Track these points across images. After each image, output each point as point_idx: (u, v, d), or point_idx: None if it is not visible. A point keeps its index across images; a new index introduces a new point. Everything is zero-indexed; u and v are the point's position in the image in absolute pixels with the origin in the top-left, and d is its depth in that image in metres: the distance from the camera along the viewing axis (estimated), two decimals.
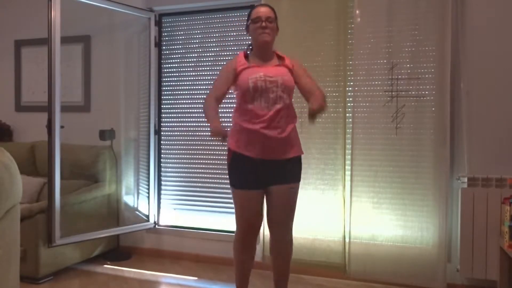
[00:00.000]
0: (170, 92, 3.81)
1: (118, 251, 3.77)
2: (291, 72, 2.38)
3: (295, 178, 2.40)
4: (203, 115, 2.45)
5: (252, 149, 2.30)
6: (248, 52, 2.46)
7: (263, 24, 2.31)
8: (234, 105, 2.45)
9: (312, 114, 2.19)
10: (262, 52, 2.39)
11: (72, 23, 3.71)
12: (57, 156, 3.12)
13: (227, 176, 2.36)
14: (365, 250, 3.07)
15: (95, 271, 3.40)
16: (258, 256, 3.32)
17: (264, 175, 2.34)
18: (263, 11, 2.35)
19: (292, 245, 2.54)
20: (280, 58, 2.45)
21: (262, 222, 2.48)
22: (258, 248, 3.32)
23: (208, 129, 2.29)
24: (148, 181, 3.75)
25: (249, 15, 2.41)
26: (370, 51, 3.05)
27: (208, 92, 3.65)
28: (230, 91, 2.45)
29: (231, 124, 2.43)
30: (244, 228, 2.41)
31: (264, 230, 3.26)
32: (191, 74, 3.73)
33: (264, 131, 2.25)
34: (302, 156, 2.46)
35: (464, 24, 2.95)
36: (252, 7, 2.43)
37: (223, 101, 2.50)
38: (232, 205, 3.54)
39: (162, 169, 3.83)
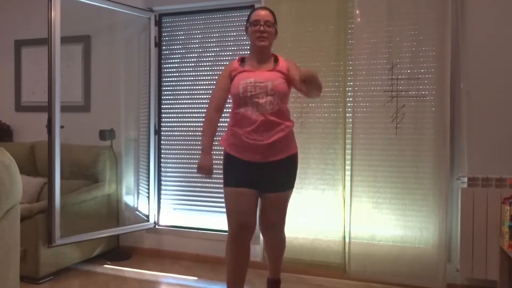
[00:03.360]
0: (170, 92, 3.81)
1: (118, 251, 3.77)
2: (285, 76, 2.36)
3: (287, 185, 2.42)
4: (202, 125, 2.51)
5: (243, 152, 2.33)
6: (245, 56, 2.48)
7: (261, 28, 2.32)
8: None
9: (303, 80, 2.06)
10: (258, 55, 2.41)
11: (72, 23, 3.71)
12: (57, 156, 3.12)
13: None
14: (365, 250, 3.07)
15: (95, 271, 3.40)
16: (257, 256, 3.33)
17: (257, 177, 2.35)
18: (262, 14, 2.35)
19: (285, 241, 2.62)
20: (276, 61, 2.42)
21: (256, 225, 2.37)
22: (258, 248, 3.33)
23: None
24: (148, 181, 3.75)
25: (248, 17, 2.41)
26: (370, 51, 3.05)
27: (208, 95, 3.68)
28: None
29: (226, 126, 2.46)
30: (236, 226, 2.29)
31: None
32: (191, 74, 3.73)
33: (252, 136, 2.27)
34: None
35: (464, 24, 2.95)
36: (252, 10, 2.43)
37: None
38: None
39: (162, 169, 3.83)
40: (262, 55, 2.40)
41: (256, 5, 3.45)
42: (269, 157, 2.32)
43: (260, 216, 2.50)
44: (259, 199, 2.45)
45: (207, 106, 3.65)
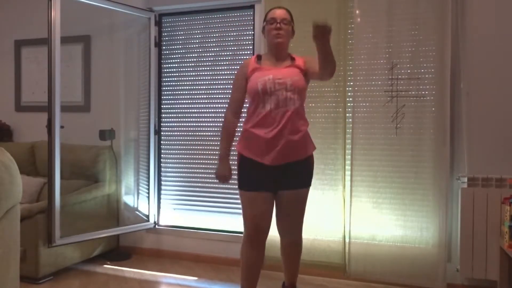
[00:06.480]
0: (170, 92, 3.81)
1: (118, 251, 3.77)
2: (303, 72, 2.34)
3: (305, 183, 2.38)
4: (216, 134, 2.48)
5: (260, 155, 2.27)
6: (261, 54, 2.46)
7: (278, 25, 2.31)
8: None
9: (315, 33, 1.94)
10: (275, 53, 2.37)
11: (72, 23, 3.71)
12: (57, 156, 3.12)
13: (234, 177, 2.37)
14: (365, 250, 3.07)
15: (95, 271, 3.40)
16: None
17: (273, 179, 2.31)
18: (278, 13, 2.34)
19: (301, 247, 2.56)
20: (293, 59, 2.41)
21: (270, 226, 2.37)
22: None
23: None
24: (148, 181, 3.75)
25: (265, 17, 2.41)
26: (370, 51, 3.05)
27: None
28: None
29: (241, 130, 2.40)
30: (251, 229, 2.33)
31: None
32: (191, 74, 3.73)
33: (275, 136, 2.22)
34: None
35: (464, 24, 2.95)
36: (269, 10, 2.42)
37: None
38: (233, 206, 3.56)
39: (162, 169, 3.83)
40: (279, 53, 2.36)
41: (257, 6, 3.45)
42: (289, 158, 2.27)
43: (277, 221, 2.45)
44: (275, 202, 2.41)
45: (207, 106, 3.70)
